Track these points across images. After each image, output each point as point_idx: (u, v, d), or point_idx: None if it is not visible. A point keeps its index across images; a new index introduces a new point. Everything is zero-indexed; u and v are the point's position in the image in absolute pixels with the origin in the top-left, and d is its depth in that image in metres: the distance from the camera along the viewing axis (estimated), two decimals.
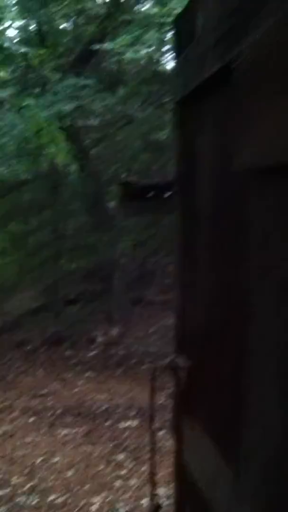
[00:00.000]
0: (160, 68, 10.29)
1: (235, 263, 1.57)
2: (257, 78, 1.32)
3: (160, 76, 9.74)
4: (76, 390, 7.95)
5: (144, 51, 7.94)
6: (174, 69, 2.17)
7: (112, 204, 11.97)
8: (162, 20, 7.64)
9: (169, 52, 9.98)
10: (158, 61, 10.03)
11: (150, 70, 9.97)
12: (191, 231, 2.14)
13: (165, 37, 8.88)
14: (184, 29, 2.14)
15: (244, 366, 1.45)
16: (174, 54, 2.29)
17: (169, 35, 9.05)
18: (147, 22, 7.79)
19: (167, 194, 2.77)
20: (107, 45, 8.18)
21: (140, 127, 10.43)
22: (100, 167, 11.98)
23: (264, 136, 1.24)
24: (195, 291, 2.08)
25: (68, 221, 11.56)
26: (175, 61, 2.28)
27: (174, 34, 2.28)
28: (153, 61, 9.73)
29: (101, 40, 11.10)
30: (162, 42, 8.85)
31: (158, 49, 8.76)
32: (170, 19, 7.80)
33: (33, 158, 9.79)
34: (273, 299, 1.25)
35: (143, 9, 9.48)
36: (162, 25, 8.22)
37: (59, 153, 9.46)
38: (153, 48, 8.15)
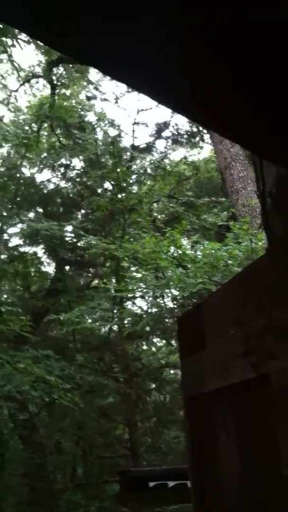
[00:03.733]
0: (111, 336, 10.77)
1: None
2: None
3: (110, 344, 10.12)
4: None
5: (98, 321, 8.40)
6: (183, 366, 2.30)
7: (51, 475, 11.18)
8: (116, 294, 8.27)
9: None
10: (110, 329, 10.55)
11: (102, 336, 10.40)
12: None
13: (115, 307, 9.56)
14: (190, 329, 2.33)
15: None
16: (178, 348, 2.45)
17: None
18: (102, 296, 8.41)
19: (172, 484, 2.63)
20: (62, 317, 8.60)
21: (88, 393, 10.38)
22: (44, 435, 11.50)
23: None
24: None
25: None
26: (180, 354, 2.42)
27: (178, 331, 2.46)
28: (105, 328, 10.24)
29: (47, 311, 11.74)
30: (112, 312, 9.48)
31: (112, 316, 9.32)
32: (122, 293, 8.51)
33: None
34: None
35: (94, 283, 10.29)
36: (115, 298, 8.92)
37: None
38: (109, 316, 8.67)
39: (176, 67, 1.46)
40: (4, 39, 8.77)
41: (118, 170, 11.14)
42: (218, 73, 1.49)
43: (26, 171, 13.93)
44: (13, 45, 9.67)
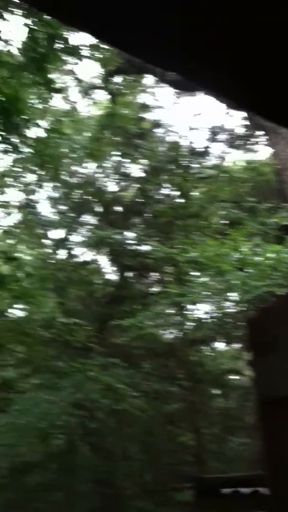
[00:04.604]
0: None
1: None
2: None
3: (174, 350, 10.08)
4: None
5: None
6: (255, 370, 2.26)
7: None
8: (180, 299, 8.24)
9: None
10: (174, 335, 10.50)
11: (165, 342, 10.38)
12: None
13: (178, 312, 9.51)
14: (261, 332, 2.29)
15: None
16: (249, 352, 2.41)
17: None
18: (165, 302, 8.42)
19: (247, 491, 2.58)
20: (125, 322, 8.66)
21: (154, 400, 10.39)
22: (112, 442, 11.57)
23: None
24: None
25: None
26: (251, 358, 2.38)
27: (249, 334, 2.42)
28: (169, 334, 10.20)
29: (110, 317, 11.86)
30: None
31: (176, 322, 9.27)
32: (184, 299, 8.45)
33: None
34: None
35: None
36: (178, 303, 8.89)
37: None
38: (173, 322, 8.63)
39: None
40: (69, 58, 9.19)
41: (180, 176, 11.14)
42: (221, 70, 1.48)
43: (89, 180, 14.17)
44: (76, 63, 10.23)
